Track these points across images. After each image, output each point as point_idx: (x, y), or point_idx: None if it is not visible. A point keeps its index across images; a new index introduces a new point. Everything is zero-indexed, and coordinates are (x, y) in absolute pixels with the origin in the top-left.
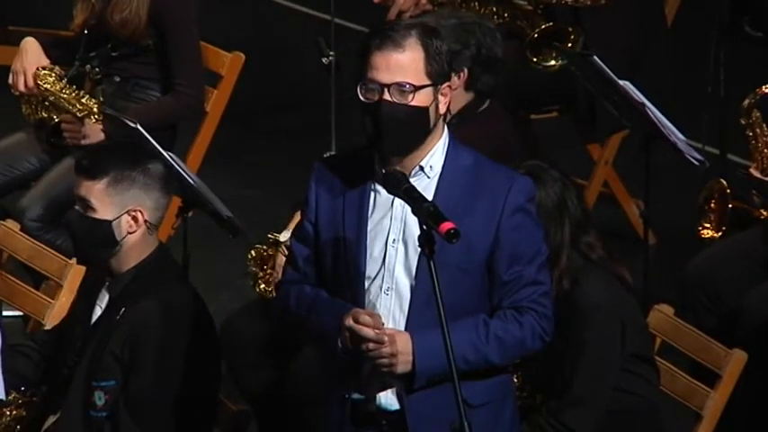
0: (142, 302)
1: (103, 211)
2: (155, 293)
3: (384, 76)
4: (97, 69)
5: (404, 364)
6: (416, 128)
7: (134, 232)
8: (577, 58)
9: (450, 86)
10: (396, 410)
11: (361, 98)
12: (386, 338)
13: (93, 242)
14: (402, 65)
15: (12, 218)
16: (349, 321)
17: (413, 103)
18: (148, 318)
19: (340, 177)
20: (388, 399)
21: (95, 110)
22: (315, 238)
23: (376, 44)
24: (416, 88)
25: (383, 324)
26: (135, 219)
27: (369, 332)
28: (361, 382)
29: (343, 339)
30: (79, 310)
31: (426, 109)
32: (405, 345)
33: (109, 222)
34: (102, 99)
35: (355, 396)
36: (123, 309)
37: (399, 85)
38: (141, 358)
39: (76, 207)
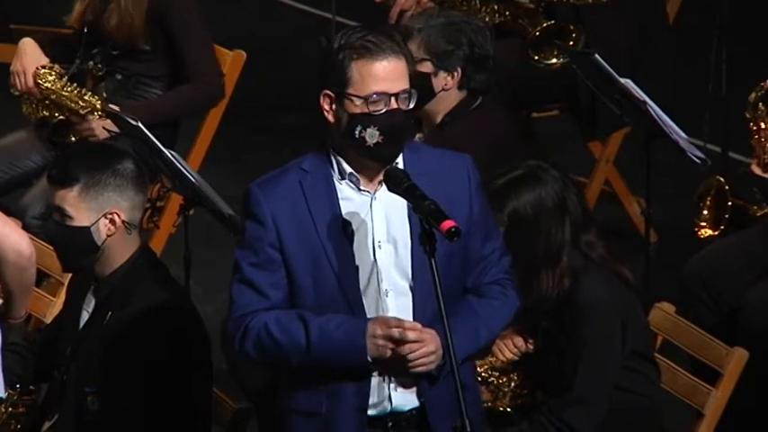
0: (128, 306)
1: (80, 218)
2: (140, 296)
3: (390, 85)
4: (100, 66)
5: (438, 360)
6: (409, 132)
7: (113, 234)
8: (579, 56)
9: None
10: (409, 410)
11: (358, 110)
12: (428, 336)
13: (75, 250)
14: (402, 72)
15: (13, 216)
16: (384, 330)
17: (410, 108)
18: (136, 320)
19: (292, 195)
20: (400, 399)
21: (98, 106)
22: (284, 261)
23: (373, 55)
24: (413, 95)
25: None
26: (112, 221)
27: (413, 334)
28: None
29: (375, 349)
30: (67, 315)
31: (411, 112)
32: (438, 341)
33: (87, 228)
34: (105, 95)
35: (371, 402)
36: (110, 312)
37: (405, 93)
38: (132, 362)
39: (54, 217)
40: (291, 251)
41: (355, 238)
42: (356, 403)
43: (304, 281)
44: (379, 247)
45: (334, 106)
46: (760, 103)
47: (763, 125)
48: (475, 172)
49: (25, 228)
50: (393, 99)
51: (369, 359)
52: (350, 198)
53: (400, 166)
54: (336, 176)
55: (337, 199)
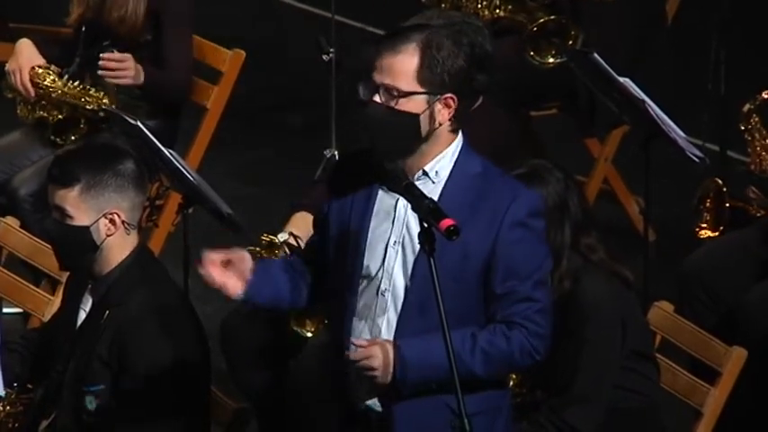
0: (125, 304)
1: (80, 218)
2: (137, 294)
3: (377, 76)
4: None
5: (385, 376)
6: (402, 133)
7: (112, 234)
8: (577, 55)
9: (452, 98)
10: (379, 411)
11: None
12: (367, 353)
13: (74, 249)
14: (393, 68)
15: (5, 197)
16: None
17: (398, 108)
18: (133, 320)
19: (354, 174)
20: (371, 400)
21: (106, 101)
22: (324, 229)
23: (381, 44)
24: (403, 94)
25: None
26: (112, 221)
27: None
28: (349, 386)
29: None
30: (64, 314)
31: (416, 116)
32: (386, 356)
33: (87, 228)
34: (116, 88)
35: (349, 394)
36: (107, 312)
37: (387, 88)
38: (129, 361)
39: (54, 216)
40: (330, 227)
41: (373, 235)
42: (335, 393)
43: (330, 256)
44: (393, 247)
45: None
46: (753, 115)
47: (757, 135)
48: (518, 210)
49: (17, 203)
50: (377, 91)
51: None
52: (384, 195)
53: (446, 171)
54: None
55: (376, 193)
